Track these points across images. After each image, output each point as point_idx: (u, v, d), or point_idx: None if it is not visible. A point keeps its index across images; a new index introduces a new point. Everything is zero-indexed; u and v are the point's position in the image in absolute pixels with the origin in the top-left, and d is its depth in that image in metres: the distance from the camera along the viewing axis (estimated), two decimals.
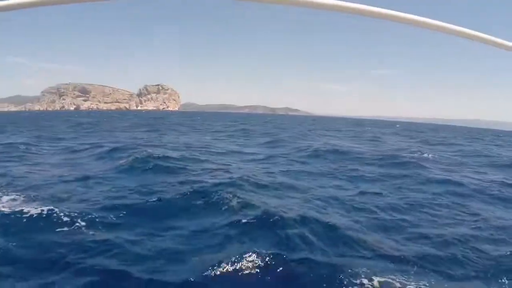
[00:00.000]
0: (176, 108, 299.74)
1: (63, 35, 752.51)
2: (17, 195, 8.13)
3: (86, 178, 10.46)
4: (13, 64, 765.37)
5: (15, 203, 7.55)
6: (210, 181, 10.07)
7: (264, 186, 10.05)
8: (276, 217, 6.89)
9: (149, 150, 14.71)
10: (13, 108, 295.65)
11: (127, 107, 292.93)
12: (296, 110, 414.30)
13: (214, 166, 12.83)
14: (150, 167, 11.89)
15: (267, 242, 5.95)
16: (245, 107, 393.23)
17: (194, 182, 9.97)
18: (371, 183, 11.63)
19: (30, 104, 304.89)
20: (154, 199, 8.26)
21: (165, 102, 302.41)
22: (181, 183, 9.89)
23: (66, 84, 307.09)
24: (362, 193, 10.00)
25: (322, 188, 10.51)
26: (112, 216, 7.08)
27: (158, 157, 13.21)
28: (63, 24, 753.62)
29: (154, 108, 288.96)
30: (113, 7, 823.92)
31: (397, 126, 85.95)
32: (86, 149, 17.50)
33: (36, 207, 7.08)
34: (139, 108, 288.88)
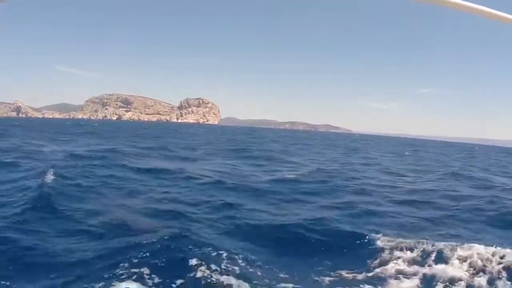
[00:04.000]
0: (216, 122, 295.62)
1: (108, 46, 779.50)
2: None
3: None
4: (60, 72, 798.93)
5: None
6: None
7: None
8: None
9: None
10: (57, 116, 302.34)
11: (168, 119, 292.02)
12: (336, 127, 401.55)
13: None
14: None
15: None
16: (286, 123, 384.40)
17: None
18: None
19: (74, 112, 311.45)
20: None
21: (205, 116, 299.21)
22: None
23: (109, 94, 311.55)
24: None
25: None
26: None
27: None
28: (109, 35, 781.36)
29: (194, 121, 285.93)
30: (157, 21, 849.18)
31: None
32: None
33: None
34: (179, 120, 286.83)
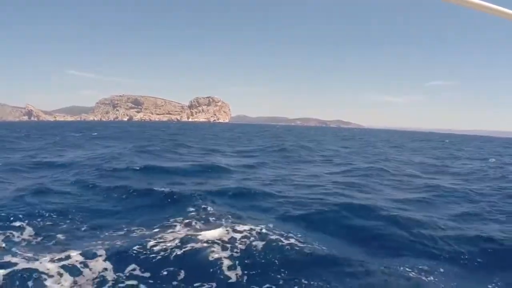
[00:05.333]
0: (227, 120, 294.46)
1: (117, 48, 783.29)
2: None
3: None
4: (70, 76, 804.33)
5: None
6: None
7: None
8: None
9: None
10: (69, 118, 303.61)
11: (179, 118, 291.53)
12: (348, 122, 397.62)
13: None
14: None
15: None
16: (297, 119, 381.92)
17: None
18: None
19: (85, 115, 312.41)
20: None
21: (215, 114, 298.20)
22: None
23: (120, 96, 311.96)
24: None
25: None
26: None
27: None
28: (117, 38, 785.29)
29: (205, 120, 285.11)
30: (165, 24, 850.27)
31: None
32: None
33: None
34: (190, 120, 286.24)
